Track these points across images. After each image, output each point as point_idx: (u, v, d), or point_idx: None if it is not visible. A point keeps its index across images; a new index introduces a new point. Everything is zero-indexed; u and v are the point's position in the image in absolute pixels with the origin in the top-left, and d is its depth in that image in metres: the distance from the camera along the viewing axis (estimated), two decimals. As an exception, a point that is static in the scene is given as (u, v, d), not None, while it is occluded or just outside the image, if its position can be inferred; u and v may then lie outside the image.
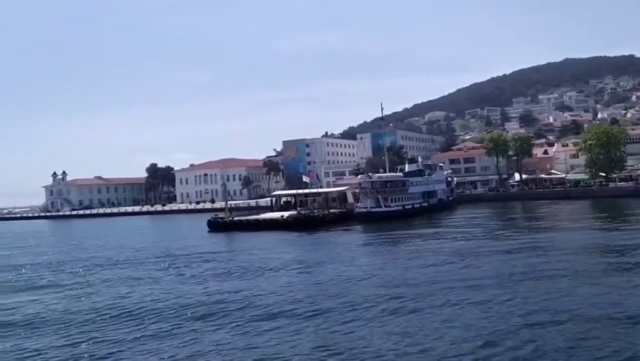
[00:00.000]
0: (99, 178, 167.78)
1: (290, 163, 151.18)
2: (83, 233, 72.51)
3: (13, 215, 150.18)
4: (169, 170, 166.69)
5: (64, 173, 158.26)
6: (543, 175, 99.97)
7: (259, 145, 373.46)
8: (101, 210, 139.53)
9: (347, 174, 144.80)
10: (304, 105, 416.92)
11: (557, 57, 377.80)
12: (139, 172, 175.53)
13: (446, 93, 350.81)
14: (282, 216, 60.76)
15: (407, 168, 76.91)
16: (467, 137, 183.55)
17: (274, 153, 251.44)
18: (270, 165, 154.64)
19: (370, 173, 72.83)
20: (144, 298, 23.25)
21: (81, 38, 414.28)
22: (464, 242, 38.92)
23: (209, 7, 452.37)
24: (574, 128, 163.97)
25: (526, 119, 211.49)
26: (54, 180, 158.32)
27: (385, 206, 64.50)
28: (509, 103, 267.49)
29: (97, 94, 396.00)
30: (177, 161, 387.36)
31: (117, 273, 32.17)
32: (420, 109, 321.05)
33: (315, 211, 63.38)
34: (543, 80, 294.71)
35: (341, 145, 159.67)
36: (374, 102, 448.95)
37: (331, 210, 65.93)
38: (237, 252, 40.68)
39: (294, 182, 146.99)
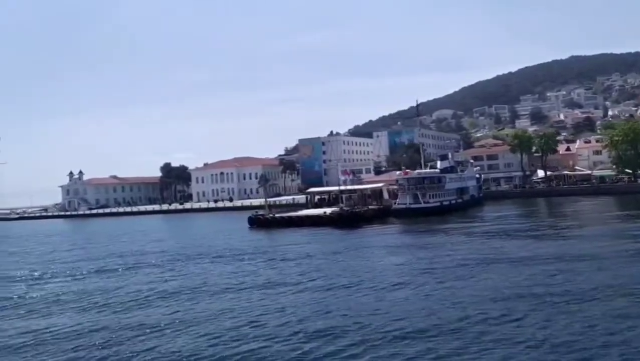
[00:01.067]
0: (114, 177, 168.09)
1: (306, 161, 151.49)
2: (122, 231, 72.61)
3: (30, 215, 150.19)
4: (183, 169, 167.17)
5: (80, 172, 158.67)
6: (567, 172, 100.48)
7: (262, 144, 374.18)
8: (119, 209, 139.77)
9: (364, 172, 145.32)
10: (305, 104, 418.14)
11: (563, 55, 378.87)
12: (147, 171, 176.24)
13: (451, 91, 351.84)
14: (324, 212, 61.21)
15: (439, 165, 77.29)
16: (479, 135, 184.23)
17: (283, 152, 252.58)
18: (286, 164, 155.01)
19: (407, 170, 73.09)
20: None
21: (83, 37, 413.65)
22: (534, 243, 34.86)
23: (209, 6, 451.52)
24: (588, 125, 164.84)
25: (536, 116, 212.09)
26: (70, 180, 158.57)
27: (424, 202, 64.96)
28: (516, 101, 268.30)
29: (91, 94, 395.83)
30: (178, 160, 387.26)
31: (240, 266, 32.38)
32: (426, 107, 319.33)
33: (355, 207, 63.75)
34: (550, 78, 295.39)
35: (356, 144, 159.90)
36: (377, 101, 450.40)
37: (370, 207, 66.35)
38: (331, 252, 36.53)
39: (309, 180, 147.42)
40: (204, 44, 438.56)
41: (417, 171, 69.40)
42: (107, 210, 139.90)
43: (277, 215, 63.95)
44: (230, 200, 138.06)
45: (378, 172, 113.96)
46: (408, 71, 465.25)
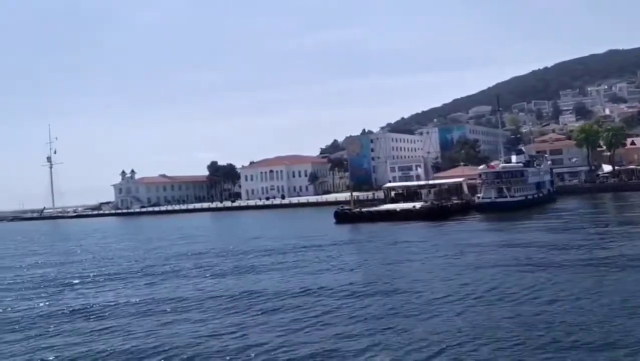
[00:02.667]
0: (164, 176, 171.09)
1: (354, 159, 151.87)
2: (203, 229, 74.02)
3: (85, 214, 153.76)
4: (230, 168, 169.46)
5: (132, 171, 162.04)
6: (633, 166, 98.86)
7: (284, 142, 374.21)
8: (170, 208, 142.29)
9: (414, 169, 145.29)
10: (333, 102, 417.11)
11: (600, 49, 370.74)
12: (186, 170, 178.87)
13: (485, 87, 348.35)
14: (414, 206, 61.63)
15: (514, 159, 76.90)
16: (523, 131, 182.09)
17: (319, 152, 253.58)
18: (334, 161, 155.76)
19: (493, 164, 72.95)
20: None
21: (99, 37, 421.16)
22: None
23: (225, 6, 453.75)
24: (639, 119, 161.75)
25: (581, 111, 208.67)
26: (122, 179, 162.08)
27: (510, 196, 64.86)
28: (555, 96, 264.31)
29: (110, 94, 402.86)
30: (200, 161, 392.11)
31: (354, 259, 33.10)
32: (461, 104, 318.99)
33: (442, 201, 64.05)
34: (589, 72, 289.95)
35: (405, 140, 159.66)
36: (406, 99, 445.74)
37: (454, 202, 66.59)
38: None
39: (358, 177, 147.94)
40: (220, 43, 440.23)
41: (502, 165, 69.10)
42: (159, 209, 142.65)
43: (364, 210, 64.58)
44: (283, 197, 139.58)
45: (437, 168, 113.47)
46: (437, 68, 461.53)
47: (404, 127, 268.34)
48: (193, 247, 45.65)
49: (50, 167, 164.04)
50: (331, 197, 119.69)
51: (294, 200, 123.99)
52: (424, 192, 72.38)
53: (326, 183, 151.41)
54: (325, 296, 21.88)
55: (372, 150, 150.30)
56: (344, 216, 63.62)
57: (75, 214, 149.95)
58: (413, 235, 45.02)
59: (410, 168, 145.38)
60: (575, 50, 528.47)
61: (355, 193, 76.32)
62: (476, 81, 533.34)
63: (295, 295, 22.40)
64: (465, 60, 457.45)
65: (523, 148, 79.95)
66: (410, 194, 75.28)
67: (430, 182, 72.35)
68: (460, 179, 74.63)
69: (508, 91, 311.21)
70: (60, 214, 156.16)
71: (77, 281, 30.28)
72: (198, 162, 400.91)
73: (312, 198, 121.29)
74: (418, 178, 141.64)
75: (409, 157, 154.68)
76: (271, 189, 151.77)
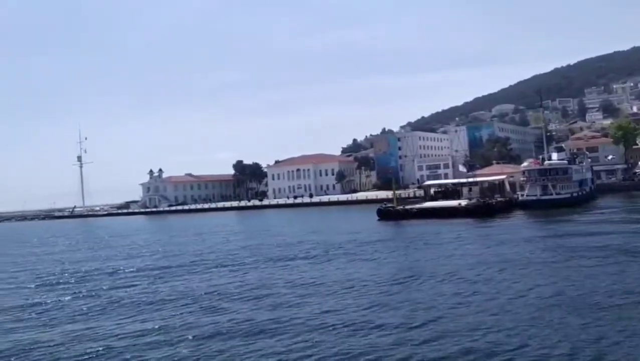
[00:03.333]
0: (190, 175, 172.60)
1: (381, 157, 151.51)
2: (242, 226, 74.52)
3: (113, 212, 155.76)
4: (256, 167, 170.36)
5: (160, 170, 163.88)
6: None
7: (302, 142, 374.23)
8: (198, 206, 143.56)
9: (442, 167, 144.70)
10: (350, 101, 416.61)
11: (624, 46, 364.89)
12: (209, 169, 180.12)
13: (506, 85, 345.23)
14: (459, 204, 61.40)
15: (555, 157, 76.11)
16: (551, 128, 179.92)
17: (340, 150, 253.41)
18: (361, 160, 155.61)
19: (536, 160, 72.28)
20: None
21: (122, 38, 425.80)
22: None
23: (244, 7, 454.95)
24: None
25: (608, 109, 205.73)
26: (150, 178, 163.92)
27: (556, 193, 64.30)
28: (579, 94, 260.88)
29: (132, 95, 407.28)
30: (219, 161, 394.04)
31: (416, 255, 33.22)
32: (482, 103, 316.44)
33: (487, 199, 63.68)
34: (613, 70, 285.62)
35: (432, 139, 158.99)
36: (425, 98, 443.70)
37: (498, 199, 66.16)
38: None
39: (385, 176, 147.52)
40: (240, 44, 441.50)
41: (548, 162, 68.48)
42: (188, 207, 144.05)
43: (407, 207, 64.49)
44: (311, 196, 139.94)
45: (470, 166, 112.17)
46: (453, 66, 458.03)
47: (425, 125, 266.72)
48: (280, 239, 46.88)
49: (81, 167, 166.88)
50: (361, 195, 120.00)
51: (324, 198, 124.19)
52: (464, 189, 72.01)
53: (353, 182, 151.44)
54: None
55: (399, 148, 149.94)
56: (387, 213, 63.57)
57: (105, 213, 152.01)
58: (471, 233, 44.84)
59: (438, 167, 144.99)
60: (599, 48, 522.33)
61: (393, 192, 75.95)
62: (497, 79, 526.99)
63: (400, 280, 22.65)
64: (484, 58, 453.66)
65: (563, 145, 79.03)
66: (449, 192, 74.99)
67: (471, 179, 71.90)
68: (503, 176, 74.09)
69: (531, 89, 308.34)
70: (89, 213, 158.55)
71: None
72: (217, 162, 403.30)
73: (343, 197, 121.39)
74: (446, 176, 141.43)
75: (435, 155, 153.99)
76: (298, 188, 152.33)
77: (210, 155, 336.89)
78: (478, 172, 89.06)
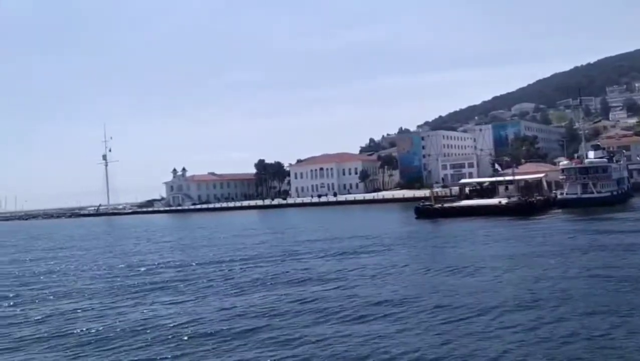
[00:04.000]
0: (212, 174, 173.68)
1: (405, 157, 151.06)
2: (280, 224, 74.51)
3: (138, 211, 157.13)
4: (278, 166, 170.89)
5: (183, 169, 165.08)
6: None
7: (320, 141, 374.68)
8: (223, 205, 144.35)
9: (466, 166, 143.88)
10: (367, 101, 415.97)
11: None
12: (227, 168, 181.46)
13: (525, 84, 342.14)
14: (499, 202, 61.06)
15: (592, 155, 75.28)
16: (575, 127, 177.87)
17: (358, 149, 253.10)
18: (384, 159, 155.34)
19: (575, 159, 71.58)
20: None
21: (142, 39, 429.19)
22: None
23: (258, 7, 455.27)
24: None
25: (632, 108, 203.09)
26: (174, 176, 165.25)
27: (597, 192, 63.64)
28: (601, 93, 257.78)
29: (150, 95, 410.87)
30: (235, 160, 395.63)
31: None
32: (501, 101, 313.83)
33: (527, 198, 63.19)
34: (636, 68, 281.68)
35: (455, 138, 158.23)
36: (441, 97, 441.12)
37: (537, 198, 65.64)
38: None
39: (408, 175, 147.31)
40: (256, 44, 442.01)
41: (588, 160, 67.78)
42: (213, 206, 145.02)
43: (446, 205, 64.29)
44: (335, 194, 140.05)
45: (499, 165, 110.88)
46: (469, 65, 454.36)
47: (442, 125, 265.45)
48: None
49: (106, 165, 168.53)
50: (386, 194, 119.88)
51: (350, 197, 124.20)
52: (501, 188, 71.58)
53: (376, 181, 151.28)
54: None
55: (423, 147, 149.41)
56: (425, 212, 63.40)
57: (131, 211, 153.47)
58: (522, 230, 44.51)
59: (462, 166, 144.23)
60: (619, 46, 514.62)
61: (417, 191, 75.83)
62: (514, 78, 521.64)
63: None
64: (500, 57, 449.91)
65: (600, 143, 78.16)
66: (485, 190, 74.61)
67: (508, 177, 71.44)
68: (541, 175, 73.50)
69: (551, 87, 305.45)
70: (115, 211, 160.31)
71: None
72: (230, 161, 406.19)
73: (369, 196, 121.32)
74: (470, 175, 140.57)
75: (458, 154, 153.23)
76: (321, 187, 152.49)
77: (225, 154, 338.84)
78: (508, 170, 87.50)
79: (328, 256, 33.77)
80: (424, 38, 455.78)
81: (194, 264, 33.53)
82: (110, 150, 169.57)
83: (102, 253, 45.44)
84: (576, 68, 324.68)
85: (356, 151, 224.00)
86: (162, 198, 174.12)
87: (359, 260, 31.25)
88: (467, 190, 76.99)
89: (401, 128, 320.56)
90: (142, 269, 32.51)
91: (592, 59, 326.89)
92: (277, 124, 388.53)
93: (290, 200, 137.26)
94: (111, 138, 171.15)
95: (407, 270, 26.81)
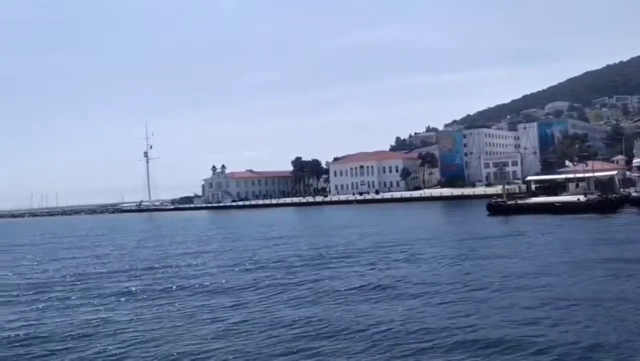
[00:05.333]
0: (250, 171, 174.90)
1: (446, 155, 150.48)
2: (343, 221, 74.79)
3: (180, 207, 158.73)
4: (316, 164, 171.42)
5: (223, 167, 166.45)
6: None
7: (344, 140, 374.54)
8: (265, 202, 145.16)
9: (510, 165, 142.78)
10: (389, 100, 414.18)
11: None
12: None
13: (556, 83, 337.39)
14: (577, 199, 60.41)
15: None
16: (620, 125, 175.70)
17: (388, 147, 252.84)
18: (425, 157, 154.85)
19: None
20: None
21: (167, 38, 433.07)
22: None
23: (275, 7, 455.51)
24: None
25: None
26: (213, 173, 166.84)
27: (675, 190, 62.75)
28: (636, 91, 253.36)
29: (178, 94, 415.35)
30: (248, 159, 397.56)
31: None
32: (532, 100, 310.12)
33: (606, 194, 62.47)
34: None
35: (496, 136, 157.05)
36: (467, 95, 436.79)
37: (613, 195, 64.82)
38: None
39: (449, 173, 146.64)
40: (272, 43, 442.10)
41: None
42: (252, 202, 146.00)
43: (519, 202, 63.87)
44: (377, 192, 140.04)
45: (549, 163, 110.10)
46: (497, 64, 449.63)
47: (472, 123, 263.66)
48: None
49: (147, 162, 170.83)
50: (435, 192, 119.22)
51: (396, 195, 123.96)
52: (571, 185, 70.85)
53: (417, 179, 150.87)
54: None
55: (465, 145, 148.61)
56: (498, 208, 63.06)
57: (173, 207, 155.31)
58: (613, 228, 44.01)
59: (506, 164, 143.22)
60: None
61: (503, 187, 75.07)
62: (543, 77, 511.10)
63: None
64: (527, 55, 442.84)
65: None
66: (552, 187, 73.93)
67: (580, 175, 70.66)
68: (614, 172, 72.61)
69: (583, 86, 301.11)
70: (156, 207, 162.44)
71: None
72: (245, 160, 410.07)
73: (416, 194, 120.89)
74: (514, 174, 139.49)
75: (500, 152, 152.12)
76: (361, 184, 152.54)
77: (240, 153, 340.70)
78: (570, 168, 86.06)
79: (470, 259, 29.73)
80: (447, 37, 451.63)
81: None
82: (151, 147, 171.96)
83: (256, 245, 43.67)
84: (608, 66, 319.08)
85: (381, 149, 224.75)
86: (197, 196, 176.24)
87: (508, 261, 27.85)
88: (534, 187, 76.35)
89: (428, 126, 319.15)
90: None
91: (625, 57, 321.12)
92: (300, 123, 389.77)
93: (334, 198, 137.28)
94: (152, 135, 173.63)
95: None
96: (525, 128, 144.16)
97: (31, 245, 57.32)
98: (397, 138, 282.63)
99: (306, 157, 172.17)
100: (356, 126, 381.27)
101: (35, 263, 38.43)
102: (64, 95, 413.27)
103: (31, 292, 24.82)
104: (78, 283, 27.18)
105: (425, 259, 29.93)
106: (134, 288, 24.38)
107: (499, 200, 65.44)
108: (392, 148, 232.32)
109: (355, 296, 20.37)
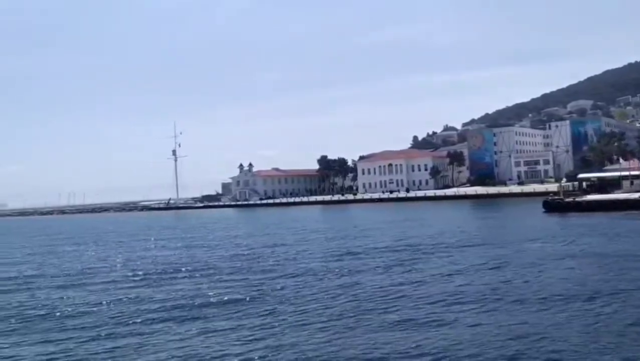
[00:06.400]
0: (277, 170, 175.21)
1: (475, 153, 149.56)
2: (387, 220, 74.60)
3: (209, 205, 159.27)
4: (342, 162, 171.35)
5: (250, 165, 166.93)
6: None
7: (349, 139, 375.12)
8: (287, 200, 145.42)
9: (541, 163, 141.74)
10: (406, 98, 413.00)
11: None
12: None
13: (575, 81, 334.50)
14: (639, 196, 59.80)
15: None
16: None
17: (409, 144, 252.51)
18: (453, 155, 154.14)
19: None
20: None
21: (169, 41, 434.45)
22: None
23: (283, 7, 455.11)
24: None
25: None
26: (240, 172, 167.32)
27: None
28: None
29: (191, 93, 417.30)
30: (262, 158, 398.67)
31: None
32: (552, 99, 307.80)
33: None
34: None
35: (526, 134, 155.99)
36: (482, 94, 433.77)
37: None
38: None
39: (479, 171, 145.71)
40: (284, 43, 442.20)
41: None
42: (278, 200, 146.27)
43: (577, 200, 63.29)
44: (407, 190, 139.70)
45: (588, 162, 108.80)
46: (513, 62, 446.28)
47: (491, 122, 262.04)
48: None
49: (175, 160, 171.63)
50: (470, 190, 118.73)
51: (429, 193, 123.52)
52: (625, 182, 70.12)
53: (446, 177, 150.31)
54: None
55: (495, 144, 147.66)
56: (555, 206, 62.53)
57: (202, 205, 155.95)
58: None
59: (537, 163, 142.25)
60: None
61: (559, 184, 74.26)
62: (562, 75, 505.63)
63: None
64: (542, 54, 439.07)
65: None
66: (604, 185, 73.21)
67: (635, 172, 69.94)
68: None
69: (605, 84, 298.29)
70: (184, 205, 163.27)
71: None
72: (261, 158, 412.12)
73: (450, 192, 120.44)
74: (546, 173, 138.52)
75: (529, 151, 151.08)
76: (390, 183, 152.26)
77: (255, 152, 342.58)
78: (623, 165, 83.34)
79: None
80: (463, 35, 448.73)
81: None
82: (179, 146, 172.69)
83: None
84: (630, 65, 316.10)
85: (399, 148, 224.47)
86: (219, 194, 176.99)
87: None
88: (584, 184, 75.70)
89: (446, 125, 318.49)
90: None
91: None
92: (316, 122, 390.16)
93: (365, 196, 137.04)
94: (181, 133, 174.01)
95: None
96: (557, 126, 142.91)
97: (128, 237, 58.45)
98: (415, 138, 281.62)
99: (331, 156, 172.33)
100: (370, 125, 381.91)
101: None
102: (83, 94, 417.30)
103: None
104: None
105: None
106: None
107: (556, 197, 64.88)
108: (411, 147, 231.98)
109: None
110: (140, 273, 29.57)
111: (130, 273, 29.65)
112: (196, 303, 20.33)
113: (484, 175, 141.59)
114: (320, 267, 28.57)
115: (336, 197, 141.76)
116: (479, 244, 35.82)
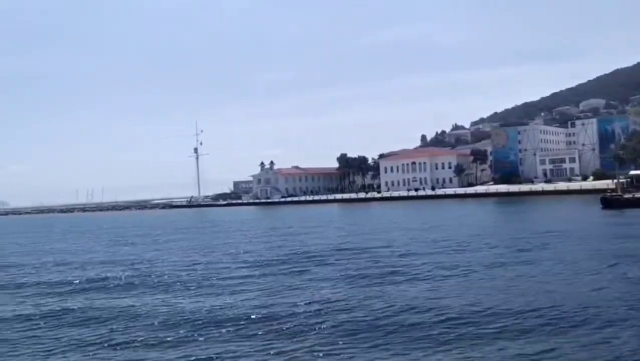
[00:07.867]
0: (297, 168, 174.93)
1: (500, 151, 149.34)
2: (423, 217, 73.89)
3: (232, 203, 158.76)
4: (362, 160, 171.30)
5: (271, 163, 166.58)
6: None
7: (354, 138, 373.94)
8: (315, 197, 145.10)
9: (567, 161, 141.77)
10: (413, 97, 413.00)
11: None
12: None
13: (584, 80, 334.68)
14: None
15: None
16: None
17: (419, 143, 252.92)
18: (477, 154, 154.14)
19: None
20: None
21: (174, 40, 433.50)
22: None
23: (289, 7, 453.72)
24: None
25: None
26: (262, 170, 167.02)
27: None
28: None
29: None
30: (267, 157, 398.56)
31: None
32: (562, 98, 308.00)
33: None
34: None
35: (550, 133, 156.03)
36: (491, 93, 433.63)
37: None
38: None
39: (503, 170, 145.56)
40: (289, 43, 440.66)
41: None
42: (301, 198, 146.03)
43: (637, 195, 63.18)
44: (433, 188, 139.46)
45: (621, 160, 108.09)
46: (518, 62, 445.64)
47: (500, 121, 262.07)
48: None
49: (197, 158, 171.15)
50: (502, 187, 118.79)
51: (449, 191, 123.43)
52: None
53: (470, 175, 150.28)
54: None
55: (519, 142, 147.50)
56: (613, 202, 62.43)
57: (225, 203, 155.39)
58: None
59: (563, 161, 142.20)
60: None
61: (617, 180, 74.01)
62: (571, 74, 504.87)
63: None
64: (550, 53, 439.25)
65: None
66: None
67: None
68: None
69: (615, 84, 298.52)
70: (206, 203, 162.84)
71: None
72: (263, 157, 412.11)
73: (470, 190, 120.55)
74: (572, 171, 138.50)
75: (553, 149, 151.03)
76: (413, 181, 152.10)
77: (260, 154, 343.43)
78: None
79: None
80: (466, 35, 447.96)
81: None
82: (201, 144, 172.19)
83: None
84: (639, 64, 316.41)
85: (409, 146, 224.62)
86: (233, 192, 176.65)
87: None
88: (635, 181, 75.72)
89: (455, 124, 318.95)
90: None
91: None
92: (323, 122, 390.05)
93: (389, 194, 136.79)
94: (202, 131, 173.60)
95: None
96: (583, 124, 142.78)
97: (177, 234, 57.42)
98: (423, 137, 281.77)
99: (351, 154, 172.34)
100: (376, 124, 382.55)
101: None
102: (83, 94, 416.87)
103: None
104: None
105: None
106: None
107: (614, 193, 64.81)
108: (421, 146, 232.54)
109: None
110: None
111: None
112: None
113: (508, 173, 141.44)
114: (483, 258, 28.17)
115: (361, 195, 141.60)
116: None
